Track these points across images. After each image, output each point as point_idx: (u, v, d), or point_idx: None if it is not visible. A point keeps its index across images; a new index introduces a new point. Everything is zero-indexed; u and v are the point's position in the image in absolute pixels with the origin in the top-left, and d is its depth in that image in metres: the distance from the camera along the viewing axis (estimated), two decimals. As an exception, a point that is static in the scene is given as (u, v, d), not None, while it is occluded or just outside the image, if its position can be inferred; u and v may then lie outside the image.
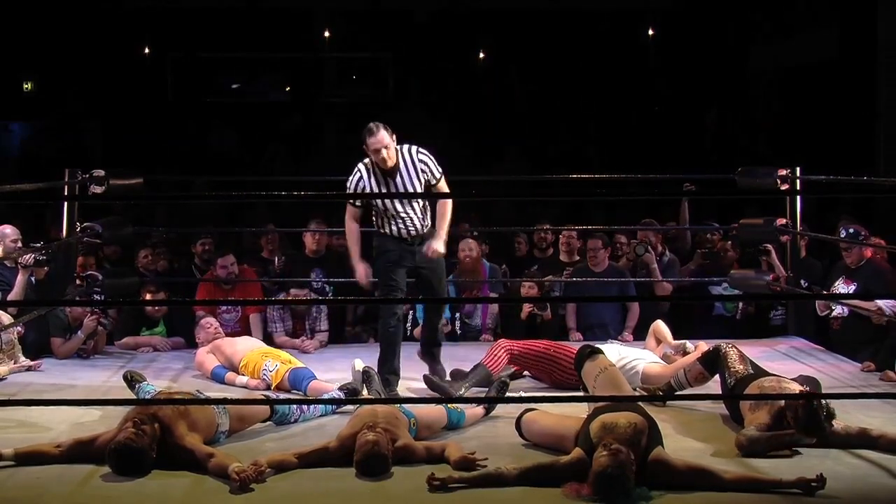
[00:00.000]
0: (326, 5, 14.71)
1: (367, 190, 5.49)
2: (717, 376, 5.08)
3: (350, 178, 5.54)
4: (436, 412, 4.69)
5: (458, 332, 7.31)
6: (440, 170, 5.55)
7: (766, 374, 4.85)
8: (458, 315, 7.31)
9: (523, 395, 5.18)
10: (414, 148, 5.54)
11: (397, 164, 5.47)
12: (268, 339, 6.95)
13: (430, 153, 5.56)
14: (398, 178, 5.46)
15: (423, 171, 5.51)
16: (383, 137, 5.39)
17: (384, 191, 5.49)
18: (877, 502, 3.85)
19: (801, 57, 13.33)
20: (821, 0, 13.21)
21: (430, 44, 14.56)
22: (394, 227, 5.58)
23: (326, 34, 15.13)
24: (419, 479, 4.00)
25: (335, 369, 6.08)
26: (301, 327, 7.08)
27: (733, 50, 14.61)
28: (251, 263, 7.74)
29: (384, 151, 5.39)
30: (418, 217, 5.55)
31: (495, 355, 5.71)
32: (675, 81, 14.56)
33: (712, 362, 5.08)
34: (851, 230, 6.63)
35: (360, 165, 5.53)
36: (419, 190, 5.48)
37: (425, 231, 5.62)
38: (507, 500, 3.86)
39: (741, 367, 4.87)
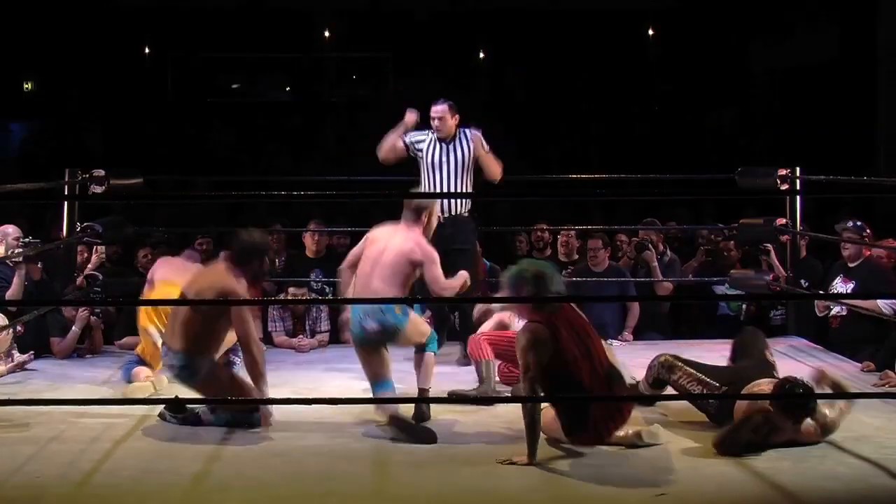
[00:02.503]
0: (326, 5, 14.72)
1: (424, 146, 6.40)
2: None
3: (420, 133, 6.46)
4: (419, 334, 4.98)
5: (457, 328, 7.36)
6: (488, 146, 6.42)
7: (741, 375, 4.80)
8: (456, 313, 7.35)
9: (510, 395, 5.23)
10: (469, 129, 6.49)
11: (455, 135, 6.41)
12: (267, 338, 6.98)
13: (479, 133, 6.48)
14: (453, 145, 6.39)
15: (472, 139, 6.40)
16: (442, 109, 6.39)
17: (440, 153, 6.37)
18: (877, 502, 3.85)
19: (801, 57, 13.35)
20: (821, 0, 13.22)
21: (430, 44, 14.57)
22: None
23: (326, 34, 15.14)
24: (419, 479, 4.01)
25: (335, 369, 6.10)
26: (301, 327, 7.09)
27: (733, 50, 14.62)
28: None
29: (437, 121, 6.37)
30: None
31: (480, 347, 5.62)
32: (675, 81, 14.57)
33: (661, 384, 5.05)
34: (859, 223, 6.61)
35: (429, 130, 6.44)
36: (469, 155, 6.36)
37: (458, 214, 6.33)
38: (509, 499, 3.86)
39: (700, 387, 4.81)
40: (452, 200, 6.32)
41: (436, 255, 5.05)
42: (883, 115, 11.75)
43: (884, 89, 11.70)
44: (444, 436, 4.66)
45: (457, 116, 6.47)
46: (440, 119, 6.39)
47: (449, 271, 6.19)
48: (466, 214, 6.43)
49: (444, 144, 6.41)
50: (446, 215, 6.28)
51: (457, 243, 6.26)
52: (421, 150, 6.41)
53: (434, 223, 5.30)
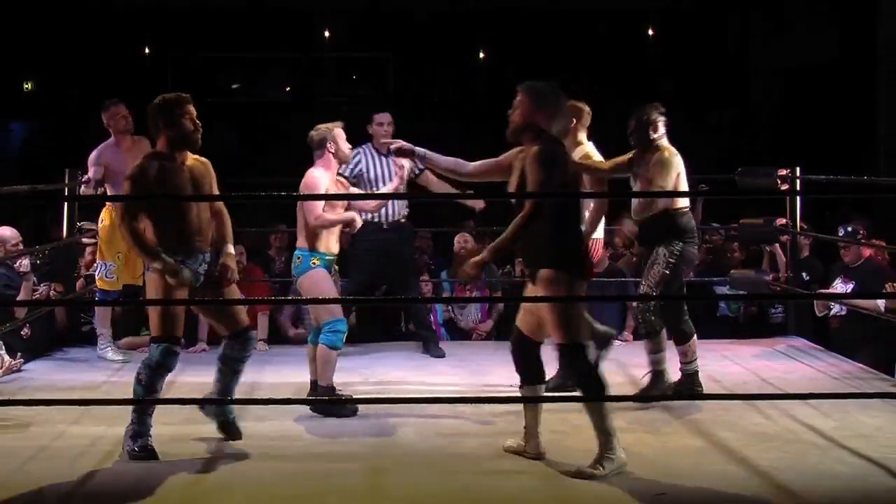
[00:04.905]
0: (326, 5, 14.72)
1: (364, 165, 6.40)
2: None
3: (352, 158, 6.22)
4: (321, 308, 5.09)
5: (458, 317, 7.49)
6: None
7: None
8: (450, 308, 7.45)
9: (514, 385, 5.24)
10: None
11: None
12: (287, 338, 7.23)
13: None
14: (391, 158, 6.16)
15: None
16: (388, 116, 6.51)
17: (379, 167, 6.39)
18: (877, 502, 3.85)
19: (801, 57, 13.34)
20: (821, 0, 13.21)
21: (430, 44, 14.56)
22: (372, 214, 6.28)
23: (326, 34, 15.13)
24: (419, 479, 4.01)
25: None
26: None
27: (733, 50, 14.61)
28: (255, 262, 7.79)
29: (386, 126, 6.43)
30: (398, 203, 6.39)
31: None
32: (675, 81, 14.56)
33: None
34: (850, 228, 6.65)
35: (360, 148, 6.36)
36: (406, 170, 6.10)
37: (398, 220, 6.49)
38: (509, 499, 3.86)
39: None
40: (391, 207, 6.38)
41: (315, 183, 5.07)
42: (883, 115, 11.72)
43: (884, 89, 11.67)
44: (444, 436, 4.66)
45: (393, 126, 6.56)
46: (389, 124, 6.47)
47: (389, 276, 6.56)
48: (404, 220, 6.56)
49: (382, 157, 6.43)
50: (391, 220, 6.45)
51: (401, 249, 6.51)
52: (361, 171, 6.40)
53: (345, 148, 5.25)
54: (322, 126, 5.26)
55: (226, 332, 4.54)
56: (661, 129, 5.32)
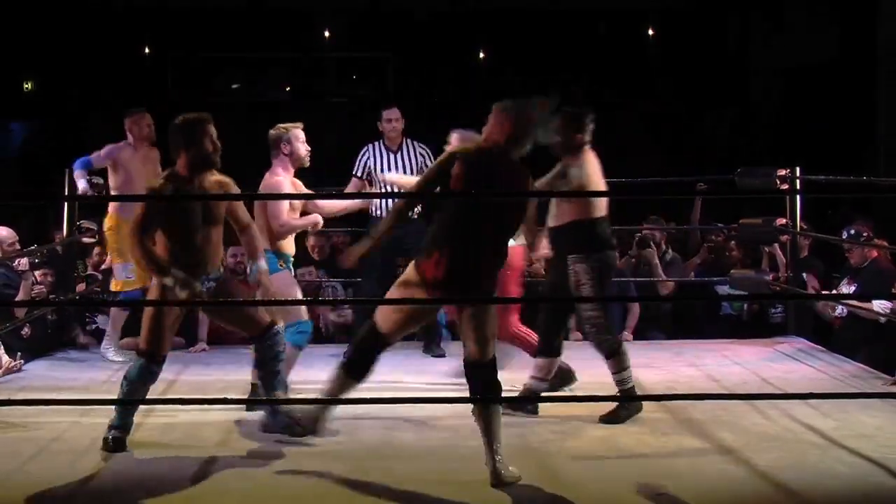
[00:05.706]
0: (326, 5, 14.72)
1: (372, 162, 6.48)
2: None
3: (359, 155, 6.58)
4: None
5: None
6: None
7: None
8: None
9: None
10: (416, 142, 6.59)
11: (401, 145, 6.51)
12: None
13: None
14: (400, 154, 6.50)
15: (421, 154, 6.50)
16: (396, 112, 6.50)
17: (388, 163, 6.46)
18: (877, 502, 3.85)
19: (801, 57, 13.35)
20: (821, 0, 13.22)
21: (430, 44, 14.57)
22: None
23: (326, 34, 15.14)
24: (419, 479, 4.01)
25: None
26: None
27: (733, 50, 14.62)
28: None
29: (394, 122, 6.45)
30: None
31: (522, 338, 5.60)
32: (675, 81, 14.57)
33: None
34: (853, 231, 6.65)
35: (369, 144, 6.56)
36: (416, 165, 6.43)
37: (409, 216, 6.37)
38: (508, 499, 3.86)
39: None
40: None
41: (277, 188, 4.98)
42: (883, 115, 11.74)
43: (884, 89, 11.69)
44: (444, 436, 4.66)
45: (404, 121, 6.55)
46: (396, 120, 6.47)
47: (396, 273, 6.42)
48: (416, 217, 6.37)
49: (391, 154, 6.49)
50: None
51: (410, 246, 6.09)
52: (369, 168, 6.41)
53: (300, 150, 5.15)
54: (281, 126, 5.19)
55: (252, 335, 4.55)
56: (588, 137, 5.02)
